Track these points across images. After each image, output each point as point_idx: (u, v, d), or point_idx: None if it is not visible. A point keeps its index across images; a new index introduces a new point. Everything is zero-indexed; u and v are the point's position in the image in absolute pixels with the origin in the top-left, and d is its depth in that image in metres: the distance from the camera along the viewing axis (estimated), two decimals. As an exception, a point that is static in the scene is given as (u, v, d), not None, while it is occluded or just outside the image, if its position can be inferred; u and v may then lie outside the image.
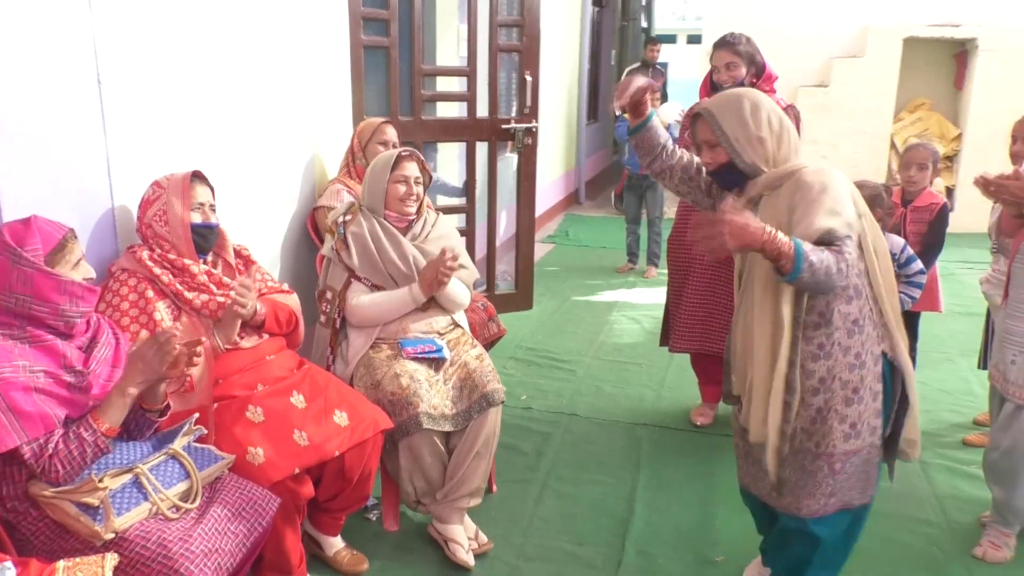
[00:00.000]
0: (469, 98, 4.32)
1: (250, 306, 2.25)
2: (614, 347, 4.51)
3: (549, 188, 7.93)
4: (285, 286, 2.55)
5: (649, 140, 2.34)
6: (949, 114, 8.15)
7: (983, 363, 3.37)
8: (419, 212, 2.80)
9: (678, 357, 4.05)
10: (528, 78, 4.52)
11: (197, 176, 2.29)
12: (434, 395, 2.56)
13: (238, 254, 2.44)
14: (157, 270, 2.21)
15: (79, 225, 2.14)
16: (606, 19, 10.72)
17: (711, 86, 3.29)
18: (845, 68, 7.76)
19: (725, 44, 3.17)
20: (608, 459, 3.24)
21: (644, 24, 14.63)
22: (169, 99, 2.47)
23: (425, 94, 4.20)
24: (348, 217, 2.74)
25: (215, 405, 2.22)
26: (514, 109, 5.64)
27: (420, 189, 2.77)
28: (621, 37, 12.07)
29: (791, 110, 3.25)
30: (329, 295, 2.74)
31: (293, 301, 2.51)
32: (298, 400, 2.32)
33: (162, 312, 2.19)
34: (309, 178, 3.37)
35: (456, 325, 2.85)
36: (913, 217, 3.28)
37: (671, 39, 24.59)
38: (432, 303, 2.76)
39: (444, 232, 2.85)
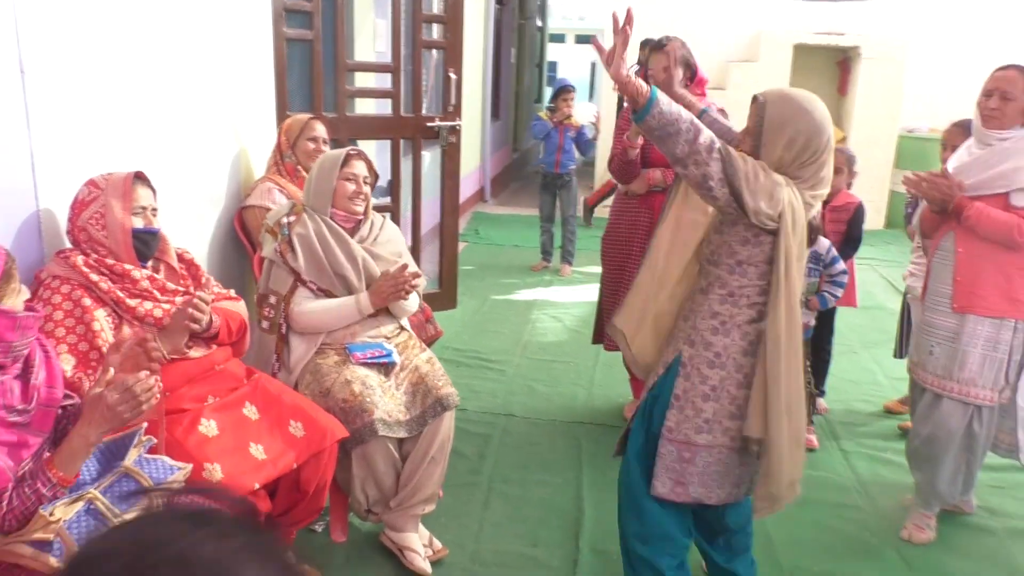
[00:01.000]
0: (394, 94, 4.24)
1: (205, 320, 2.13)
2: (540, 346, 4.54)
3: (457, 186, 7.89)
4: (232, 292, 2.42)
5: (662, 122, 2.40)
6: (834, 118, 8.58)
7: (900, 352, 3.59)
8: (366, 213, 2.73)
9: (604, 355, 4.11)
10: (452, 76, 4.47)
11: (139, 177, 2.14)
12: (387, 401, 2.50)
13: (180, 258, 2.30)
14: (95, 276, 2.05)
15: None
16: (506, 18, 10.75)
17: (643, 88, 3.35)
18: (741, 72, 8.09)
19: (659, 48, 3.22)
20: (550, 459, 3.26)
21: (539, 23, 14.79)
22: (97, 91, 2.31)
23: (350, 90, 4.09)
24: (292, 218, 2.64)
25: (164, 419, 2.09)
26: (424, 106, 5.60)
27: (368, 188, 2.70)
28: (520, 36, 12.15)
29: (722, 113, 3.34)
30: (273, 299, 2.62)
31: (242, 308, 2.39)
32: (251, 411, 2.21)
33: (101, 322, 2.04)
34: (235, 176, 3.22)
35: (402, 329, 2.80)
36: (832, 217, 3.45)
37: (561, 39, 24.93)
38: (380, 309, 2.70)
39: (392, 236, 2.79)
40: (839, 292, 3.20)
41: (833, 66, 8.63)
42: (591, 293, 5.55)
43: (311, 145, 3.18)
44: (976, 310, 2.50)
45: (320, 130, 3.22)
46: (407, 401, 2.55)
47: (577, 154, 5.94)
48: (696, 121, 1.99)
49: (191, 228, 2.86)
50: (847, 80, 8.49)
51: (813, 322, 3.30)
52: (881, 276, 6.34)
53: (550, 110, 5.94)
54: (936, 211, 2.61)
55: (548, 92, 16.64)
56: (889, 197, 8.19)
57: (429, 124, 4.37)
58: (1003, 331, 2.49)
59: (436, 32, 4.81)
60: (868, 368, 4.36)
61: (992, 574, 2.59)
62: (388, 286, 2.57)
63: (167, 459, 1.90)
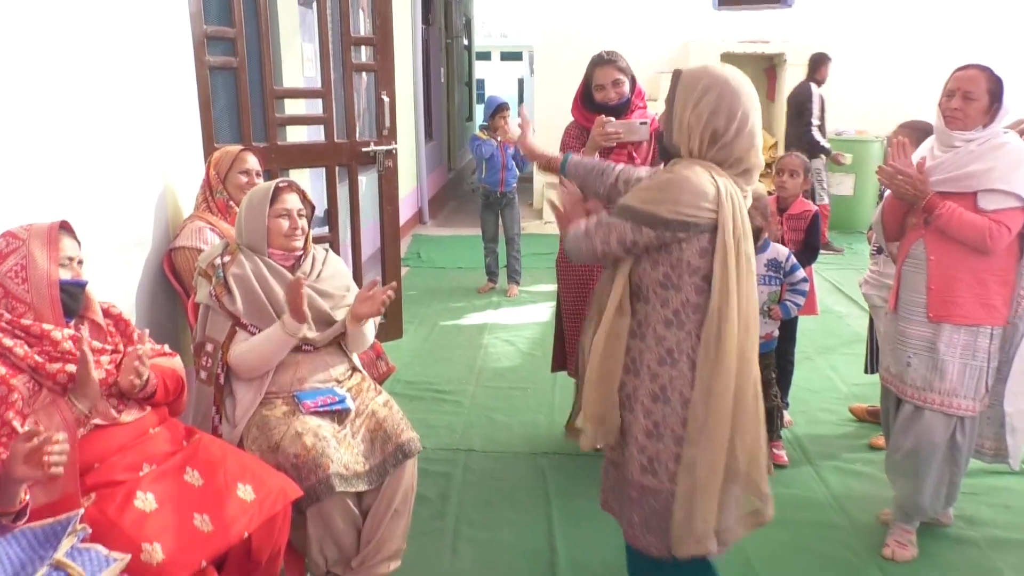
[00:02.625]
0: (326, 120, 4.04)
1: (145, 375, 1.92)
2: (495, 372, 4.38)
3: (394, 209, 7.70)
4: (166, 347, 2.20)
5: (581, 174, 2.20)
6: (763, 124, 8.71)
7: (870, 367, 3.54)
8: (306, 247, 2.54)
9: (562, 378, 3.97)
10: (385, 98, 4.30)
11: (63, 227, 1.93)
12: (344, 452, 2.30)
13: (107, 313, 2.07)
14: (8, 341, 1.82)
15: None
16: (433, 37, 10.63)
17: (587, 104, 3.23)
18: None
19: (608, 62, 3.12)
20: (516, 495, 3.10)
21: (466, 42, 14.72)
22: (4, 133, 2.08)
23: (280, 118, 3.88)
24: (227, 258, 2.43)
25: (92, 496, 1.86)
26: (358, 130, 5.41)
27: (304, 222, 2.51)
28: (448, 55, 12.04)
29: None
30: (210, 347, 2.41)
31: (177, 364, 2.18)
32: (193, 478, 1.99)
33: (19, 390, 1.81)
34: (162, 216, 2.98)
35: (355, 370, 2.61)
36: (790, 225, 3.39)
37: (487, 56, 24.99)
38: (331, 347, 2.51)
39: (337, 270, 2.61)
40: (801, 300, 3.13)
41: (759, 74, 8.73)
42: (541, 313, 5.44)
43: (243, 178, 2.98)
44: (952, 319, 2.44)
45: (252, 162, 3.03)
46: (365, 450, 2.36)
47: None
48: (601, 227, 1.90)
49: (116, 276, 2.63)
50: (774, 86, 8.60)
51: (776, 332, 3.22)
52: (824, 279, 6.36)
53: (485, 129, 5.81)
54: (900, 199, 2.53)
55: (479, 110, 16.59)
56: (823, 199, 8.29)
57: (364, 149, 4.19)
58: (980, 338, 2.43)
59: (365, 55, 4.64)
60: (826, 375, 4.31)
61: (980, 587, 2.53)
62: (291, 295, 2.31)
63: (101, 548, 1.68)
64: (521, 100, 22.52)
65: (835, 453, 3.40)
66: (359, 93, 5.79)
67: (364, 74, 5.44)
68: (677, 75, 1.89)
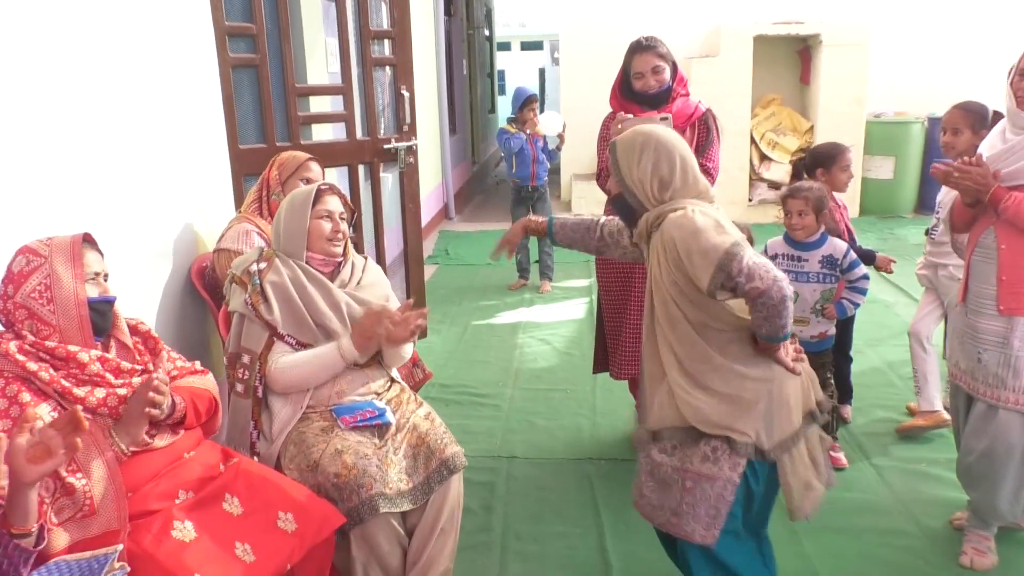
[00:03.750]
0: (347, 117, 3.92)
1: (166, 403, 1.81)
2: (532, 373, 4.24)
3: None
4: (197, 364, 2.09)
5: (568, 236, 2.41)
6: (798, 108, 8.48)
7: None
8: (345, 254, 2.42)
9: (603, 378, 3.82)
10: (404, 93, 4.18)
11: (87, 240, 1.83)
12: (386, 470, 2.18)
13: (135, 330, 1.96)
14: (33, 365, 1.72)
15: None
16: (455, 28, 10.48)
17: (626, 93, 3.08)
18: (702, 68, 7.90)
19: (647, 48, 2.96)
20: (563, 504, 2.96)
21: (487, 32, 14.55)
22: (19, 139, 1.97)
23: (302, 116, 3.76)
24: (263, 265, 2.32)
25: (128, 528, 1.76)
26: (383, 126, 5.29)
27: (345, 226, 2.40)
28: (469, 46, 11.89)
29: (709, 114, 3.10)
30: (246, 359, 2.29)
31: (210, 383, 2.07)
32: (233, 506, 1.88)
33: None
34: (188, 222, 2.88)
35: (393, 381, 2.49)
36: (845, 215, 3.24)
37: (507, 46, 24.80)
38: (369, 358, 2.39)
39: (377, 278, 2.49)
40: (861, 299, 2.95)
41: (792, 56, 8.48)
42: (576, 310, 5.30)
43: (303, 185, 2.87)
44: (1025, 311, 2.27)
45: (316, 171, 2.96)
46: (408, 466, 2.24)
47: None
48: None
49: (141, 288, 2.53)
50: (809, 68, 8.35)
51: (832, 331, 3.06)
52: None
53: (513, 121, 5.66)
54: (969, 203, 2.38)
55: (501, 101, 16.42)
56: (861, 184, 8.05)
57: (386, 146, 4.06)
58: (1057, 333, 2.26)
59: (388, 49, 4.52)
60: (879, 369, 4.13)
61: (1068, 598, 2.36)
62: (370, 323, 2.25)
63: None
64: (543, 90, 22.29)
65: (897, 453, 3.23)
66: (382, 88, 5.66)
67: (388, 68, 5.33)
68: (613, 146, 2.06)
